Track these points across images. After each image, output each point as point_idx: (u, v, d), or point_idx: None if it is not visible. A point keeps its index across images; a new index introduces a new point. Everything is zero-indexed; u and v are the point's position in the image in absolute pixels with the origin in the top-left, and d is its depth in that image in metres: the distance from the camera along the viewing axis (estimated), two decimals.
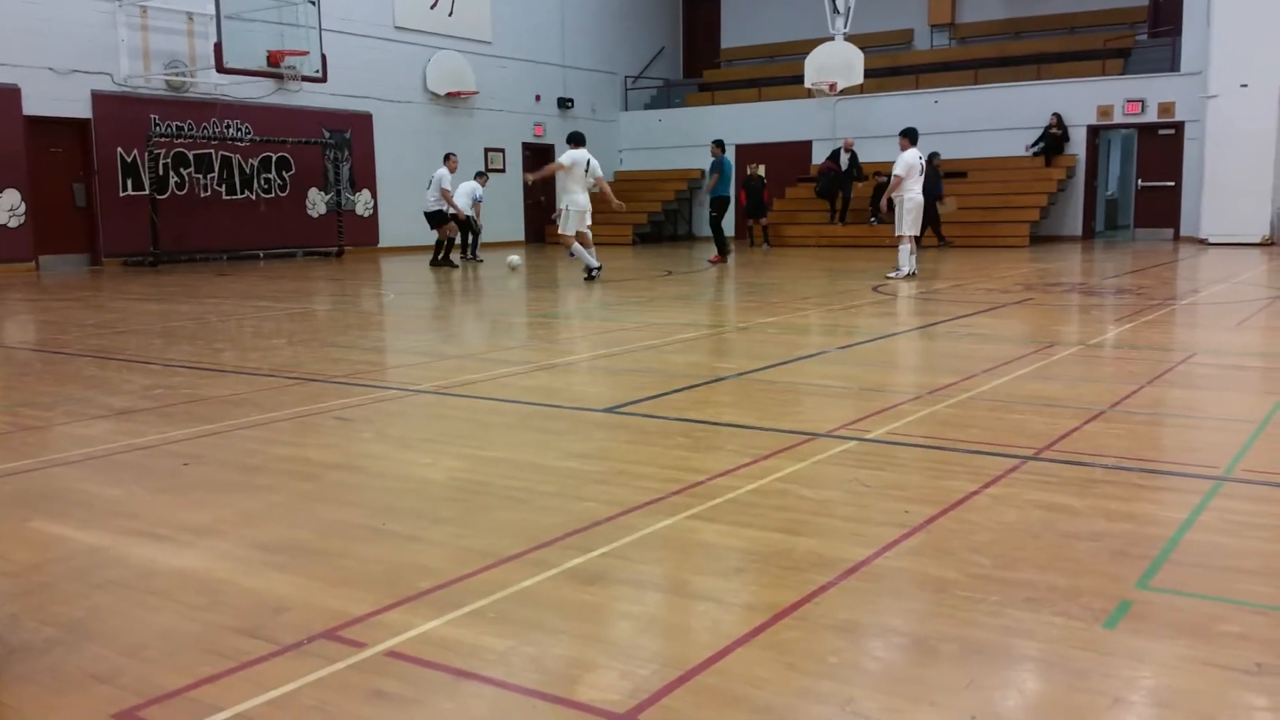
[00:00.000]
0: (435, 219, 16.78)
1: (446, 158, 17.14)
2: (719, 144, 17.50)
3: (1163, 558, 2.98)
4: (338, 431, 4.89)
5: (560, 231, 13.68)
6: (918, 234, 13.30)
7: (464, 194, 17.66)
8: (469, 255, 18.27)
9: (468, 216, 17.82)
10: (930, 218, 19.46)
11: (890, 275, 13.00)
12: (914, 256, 13.15)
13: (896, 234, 13.20)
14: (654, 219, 25.54)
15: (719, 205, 17.45)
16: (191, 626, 2.59)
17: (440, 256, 16.84)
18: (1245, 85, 19.07)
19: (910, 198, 12.94)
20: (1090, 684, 2.23)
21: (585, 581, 2.86)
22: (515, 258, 16.10)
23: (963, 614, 2.60)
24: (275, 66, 17.44)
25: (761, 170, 21.54)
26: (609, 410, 5.18)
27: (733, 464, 4.05)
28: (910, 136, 13.22)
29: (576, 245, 13.32)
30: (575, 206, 13.43)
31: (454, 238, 17.10)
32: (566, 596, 2.75)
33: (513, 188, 24.56)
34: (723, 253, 17.19)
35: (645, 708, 2.14)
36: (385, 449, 4.53)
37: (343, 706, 2.17)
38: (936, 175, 19.46)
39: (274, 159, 19.73)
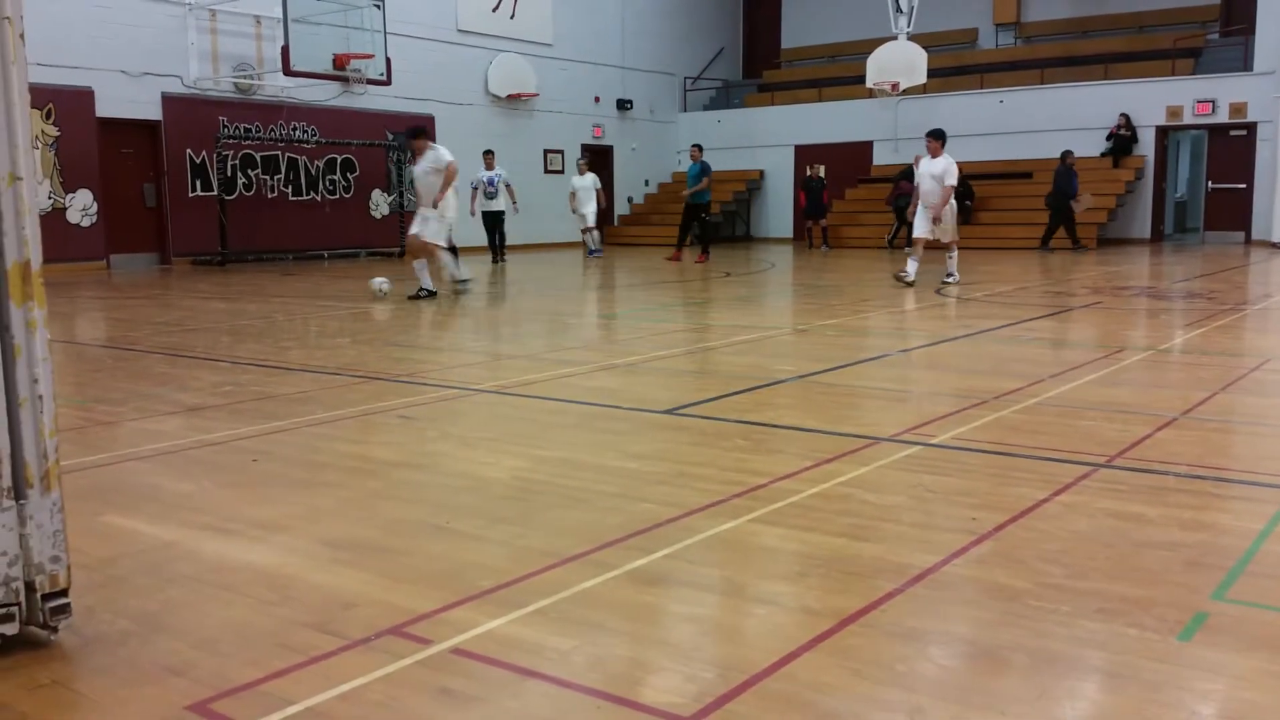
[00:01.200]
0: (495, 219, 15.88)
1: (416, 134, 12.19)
2: (699, 147, 17.80)
3: (1239, 569, 2.90)
4: (401, 430, 4.95)
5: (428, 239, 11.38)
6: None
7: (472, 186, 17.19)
8: (498, 257, 17.98)
9: (498, 212, 17.59)
10: (1065, 218, 18.97)
11: (946, 279, 12.20)
12: (916, 262, 12.12)
13: (948, 239, 12.24)
14: (712, 220, 25.44)
15: (704, 207, 17.85)
16: (263, 621, 2.64)
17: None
18: None
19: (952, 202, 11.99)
20: (1164, 697, 2.18)
21: (647, 583, 2.86)
22: (382, 281, 11.73)
23: (1033, 624, 2.55)
24: (341, 69, 17.69)
25: (821, 171, 21.40)
26: (669, 412, 5.18)
27: (794, 467, 4.03)
28: (941, 139, 12.24)
29: (445, 256, 11.80)
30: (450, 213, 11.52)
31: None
32: (628, 598, 2.75)
33: (567, 190, 24.63)
34: (705, 250, 17.73)
35: (710, 711, 2.13)
36: (447, 448, 4.57)
37: (410, 703, 2.19)
38: (1071, 173, 18.96)
39: (339, 160, 20.02)
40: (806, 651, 2.41)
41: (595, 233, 19.33)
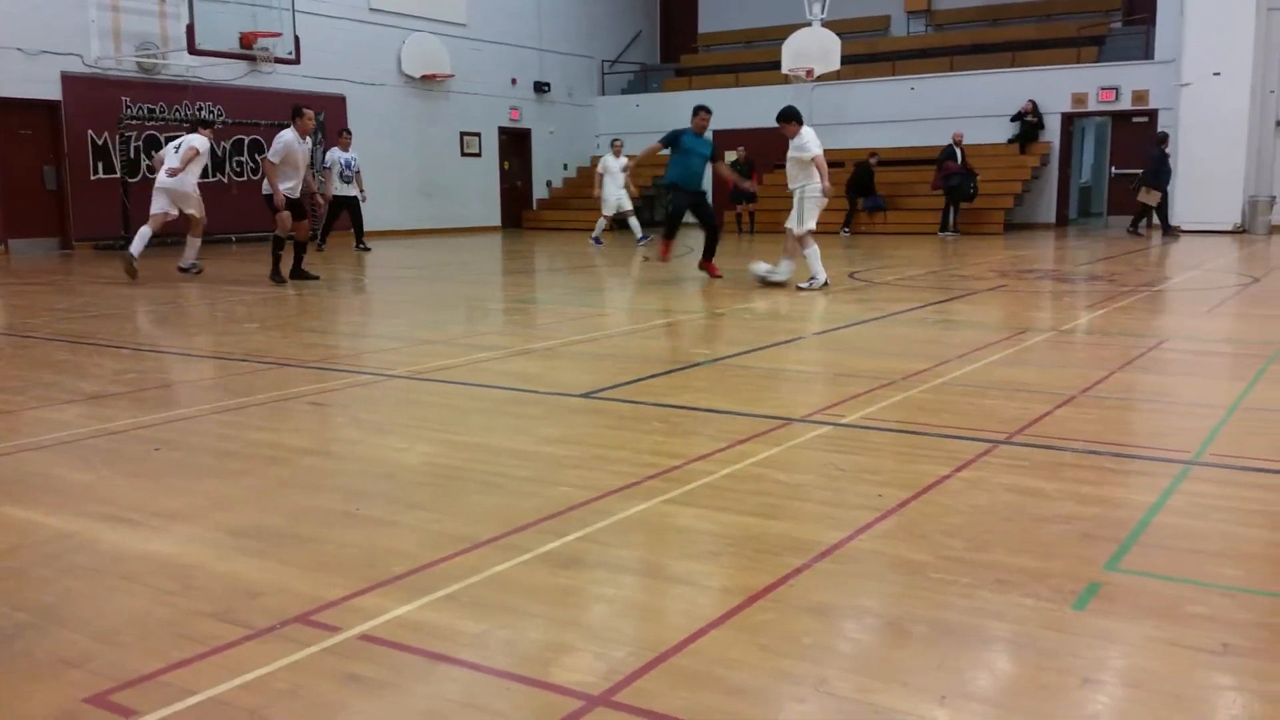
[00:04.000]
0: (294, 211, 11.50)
1: (295, 115, 11.44)
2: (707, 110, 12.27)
3: (1131, 540, 3.01)
4: (311, 416, 4.87)
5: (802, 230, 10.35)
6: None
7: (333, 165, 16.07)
8: (321, 245, 16.48)
9: (353, 197, 16.53)
10: (1160, 203, 18.70)
11: (802, 286, 10.21)
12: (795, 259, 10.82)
13: (799, 231, 10.35)
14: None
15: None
16: (163, 611, 2.58)
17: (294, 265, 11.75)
18: (1218, 74, 19.21)
19: (814, 187, 10.34)
20: (1059, 664, 2.26)
21: (560, 565, 2.86)
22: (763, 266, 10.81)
23: (935, 596, 2.62)
24: (248, 48, 17.26)
25: (743, 154, 21.53)
26: (586, 396, 5.18)
27: (709, 449, 4.06)
28: (797, 118, 10.90)
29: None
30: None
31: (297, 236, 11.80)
32: (541, 580, 2.76)
33: (489, 172, 24.44)
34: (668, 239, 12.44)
35: (620, 689, 2.15)
36: (359, 434, 4.52)
37: (316, 689, 2.17)
38: (1165, 158, 18.60)
39: (247, 141, 19.54)
40: (716, 628, 2.45)
41: (634, 219, 17.95)
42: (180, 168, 12.16)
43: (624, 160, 17.55)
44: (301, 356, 6.43)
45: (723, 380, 5.65)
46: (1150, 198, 18.57)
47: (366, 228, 21.52)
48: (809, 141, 10.45)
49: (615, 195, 17.65)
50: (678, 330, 7.65)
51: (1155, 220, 19.25)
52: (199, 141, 12.45)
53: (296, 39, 17.61)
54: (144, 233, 12.03)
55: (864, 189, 20.95)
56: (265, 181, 11.32)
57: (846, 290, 10.55)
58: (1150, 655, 2.31)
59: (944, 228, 19.88)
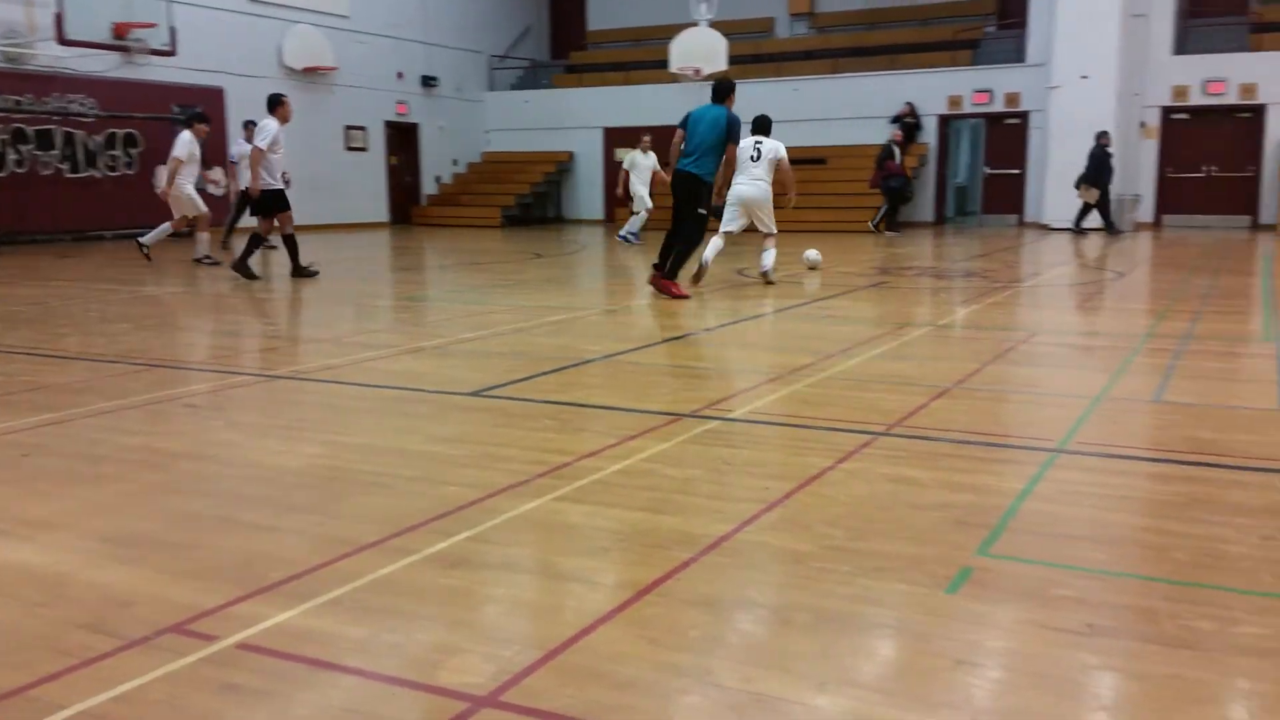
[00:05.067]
0: (267, 202, 11.21)
1: (274, 104, 11.31)
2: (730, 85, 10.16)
3: (1001, 526, 3.14)
4: (188, 419, 4.73)
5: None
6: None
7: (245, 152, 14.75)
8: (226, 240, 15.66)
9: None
10: (1103, 201, 18.74)
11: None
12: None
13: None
14: (522, 201, 25.36)
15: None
16: (32, 623, 2.48)
17: (247, 258, 11.24)
18: (1086, 77, 20.06)
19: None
20: (933, 647, 2.34)
21: (449, 566, 2.84)
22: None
23: (816, 584, 2.69)
24: (121, 39, 16.60)
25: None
26: (475, 394, 5.15)
27: (599, 445, 4.08)
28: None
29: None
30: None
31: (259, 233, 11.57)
32: (429, 582, 2.74)
33: (376, 167, 24.03)
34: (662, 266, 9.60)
35: (507, 689, 2.15)
36: (238, 437, 4.40)
37: (193, 700, 2.11)
38: (1107, 156, 18.62)
39: (120, 135, 18.80)
40: (604, 624, 2.46)
41: (643, 215, 17.40)
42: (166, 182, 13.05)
43: (653, 157, 17.23)
44: (178, 357, 6.23)
45: (614, 377, 5.67)
46: (1089, 195, 18.94)
47: (250, 223, 20.95)
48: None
49: (641, 191, 17.20)
50: (569, 327, 7.65)
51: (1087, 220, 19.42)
52: (178, 147, 13.09)
53: (173, 30, 17.03)
54: (163, 228, 13.13)
55: None
56: (249, 174, 11.10)
57: (736, 286, 10.69)
58: (1019, 637, 2.41)
59: (889, 226, 19.85)
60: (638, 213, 17.46)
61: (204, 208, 13.21)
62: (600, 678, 2.20)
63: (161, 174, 19.32)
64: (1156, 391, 5.17)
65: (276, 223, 11.30)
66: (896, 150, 19.93)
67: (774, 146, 10.27)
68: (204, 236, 13.26)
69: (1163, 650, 2.32)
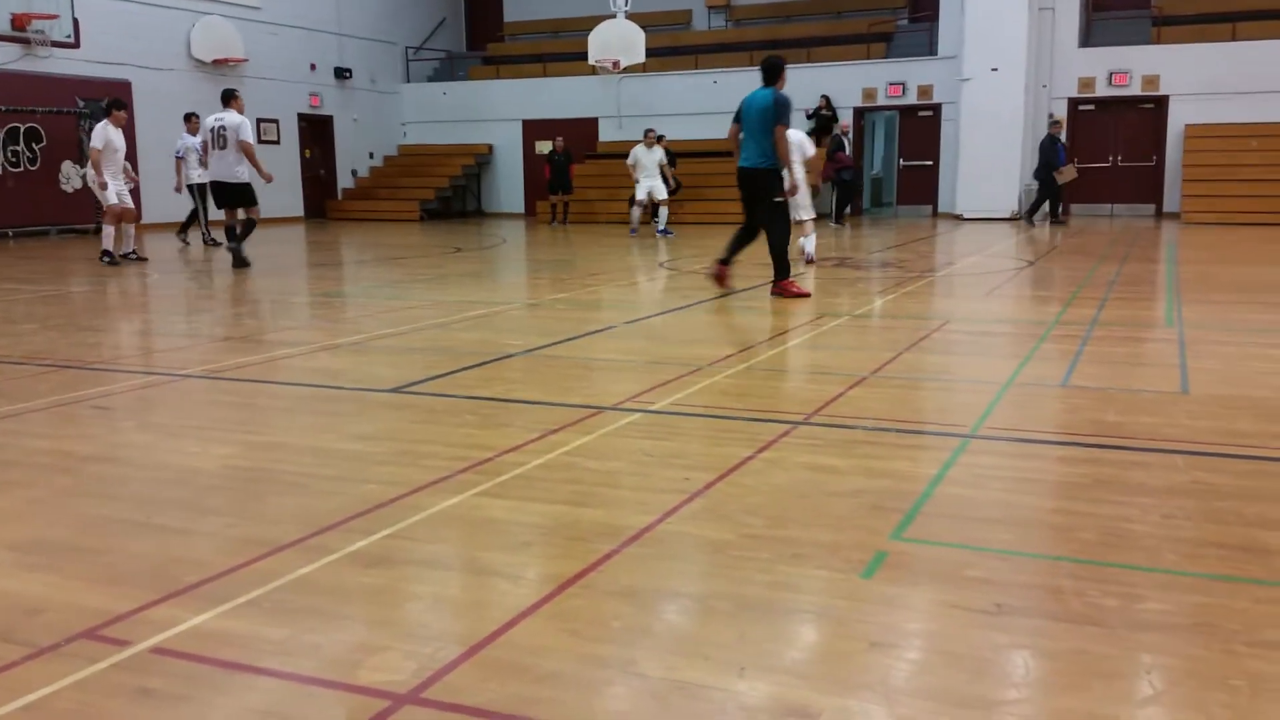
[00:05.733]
0: (240, 194, 11.84)
1: (230, 97, 12.08)
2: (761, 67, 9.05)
3: (915, 511, 3.21)
4: (97, 421, 4.60)
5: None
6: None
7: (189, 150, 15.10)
8: (193, 237, 15.84)
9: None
10: (1051, 191, 18.90)
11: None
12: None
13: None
14: (442, 194, 25.11)
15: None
16: None
17: (239, 247, 11.93)
18: (995, 69, 20.53)
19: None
20: (849, 630, 2.40)
21: (369, 565, 2.82)
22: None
23: (736, 572, 2.73)
24: (21, 30, 16.03)
25: (560, 144, 21.49)
26: (395, 390, 5.10)
27: (521, 439, 4.08)
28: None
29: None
30: None
31: (254, 220, 12.23)
32: (349, 581, 2.71)
33: (290, 160, 23.56)
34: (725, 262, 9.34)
35: (428, 685, 2.15)
36: (149, 438, 4.30)
37: (105, 707, 2.07)
38: (1056, 145, 18.73)
39: (22, 130, 18.15)
40: (527, 618, 2.47)
41: (665, 209, 17.21)
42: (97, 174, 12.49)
43: (659, 152, 17.12)
44: (85, 358, 6.06)
45: (535, 371, 5.66)
46: (1065, 174, 19.02)
47: (158, 219, 20.41)
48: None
49: (647, 185, 17.11)
50: (490, 322, 7.61)
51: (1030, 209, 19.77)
52: (94, 138, 12.52)
53: (76, 21, 16.51)
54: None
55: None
56: (244, 168, 11.59)
57: (658, 279, 10.75)
58: (932, 618, 2.47)
59: (837, 219, 19.76)
60: (641, 202, 17.45)
61: (114, 200, 12.60)
62: (523, 671, 2.20)
63: (69, 168, 18.80)
64: (1064, 376, 5.33)
65: (241, 213, 11.88)
66: (845, 141, 19.92)
67: (799, 140, 10.54)
68: (111, 231, 12.67)
69: (1070, 627, 2.40)
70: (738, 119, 8.84)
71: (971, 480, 3.55)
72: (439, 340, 6.72)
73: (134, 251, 12.95)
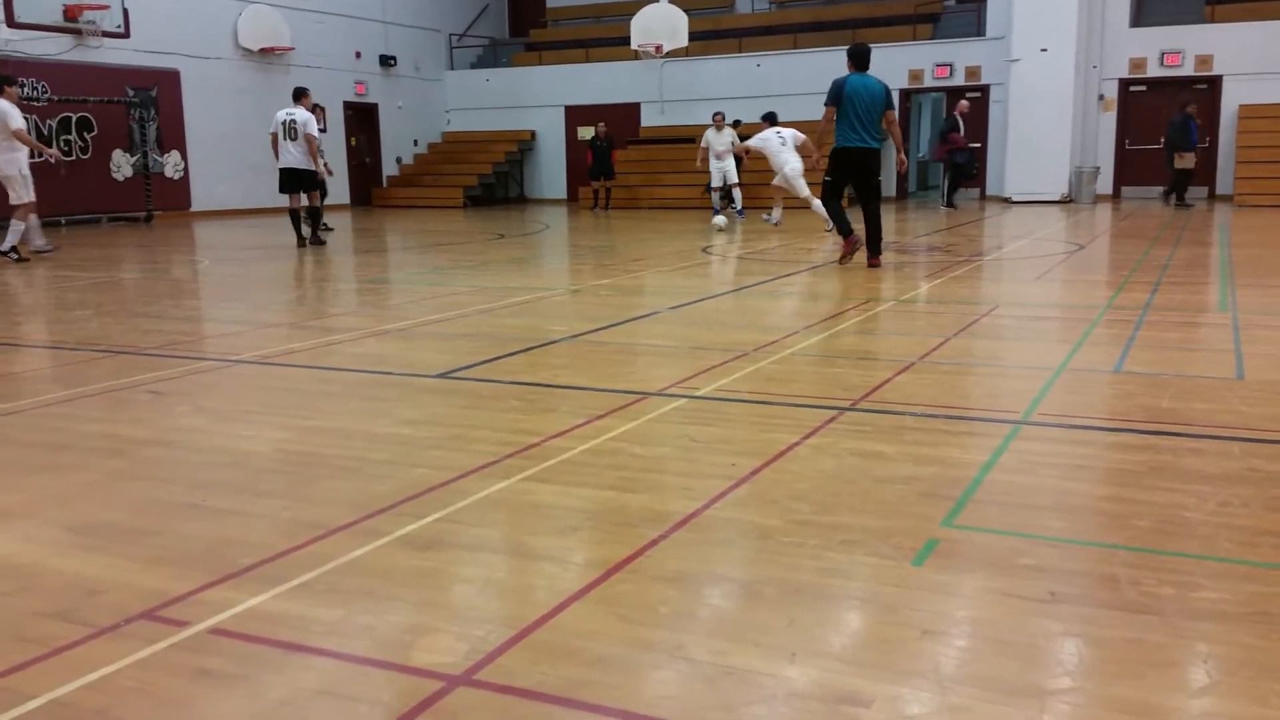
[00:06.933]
0: (306, 181, 13.06)
1: (301, 94, 13.30)
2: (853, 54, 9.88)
3: (966, 498, 3.18)
4: (151, 406, 4.68)
5: None
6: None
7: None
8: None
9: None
10: (1180, 173, 18.46)
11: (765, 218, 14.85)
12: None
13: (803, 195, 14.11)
14: (485, 181, 25.21)
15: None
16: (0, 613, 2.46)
17: (314, 231, 13.35)
18: (1045, 50, 20.19)
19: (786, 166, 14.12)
20: (900, 617, 2.38)
21: (419, 548, 2.85)
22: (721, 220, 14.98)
23: (784, 558, 2.72)
24: (73, 21, 16.30)
25: (602, 130, 21.44)
26: (442, 376, 5.14)
27: (567, 425, 4.09)
28: (770, 119, 14.99)
29: None
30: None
31: (318, 205, 13.47)
32: (400, 564, 2.74)
33: (336, 148, 23.75)
34: (843, 232, 9.77)
35: (481, 667, 2.16)
36: (203, 422, 4.36)
37: (166, 686, 2.11)
38: (1189, 124, 18.29)
39: (74, 119, 18.47)
40: (575, 602, 2.48)
41: (738, 190, 17.22)
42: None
43: (729, 133, 17.11)
44: (139, 343, 6.16)
45: (580, 356, 5.68)
46: (1186, 160, 18.59)
47: (206, 207, 20.69)
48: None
49: (720, 169, 17.04)
50: (534, 308, 7.64)
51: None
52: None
53: (125, 11, 16.73)
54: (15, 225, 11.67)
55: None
56: (306, 157, 12.85)
57: (701, 264, 10.73)
58: (984, 605, 2.45)
59: (947, 201, 19.37)
60: (718, 188, 17.32)
61: (22, 193, 11.67)
62: (572, 655, 2.22)
63: (119, 156, 19.09)
64: (1117, 362, 5.25)
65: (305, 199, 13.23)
66: (960, 121, 19.28)
67: (794, 134, 14.01)
68: (19, 226, 11.66)
69: (1124, 616, 2.37)
70: (835, 101, 9.35)
71: (1023, 467, 3.51)
72: (484, 326, 6.75)
73: (15, 250, 11.64)
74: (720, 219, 15.43)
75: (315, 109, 15.12)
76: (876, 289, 8.45)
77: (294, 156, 12.86)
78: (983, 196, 22.33)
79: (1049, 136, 20.40)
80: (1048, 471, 3.46)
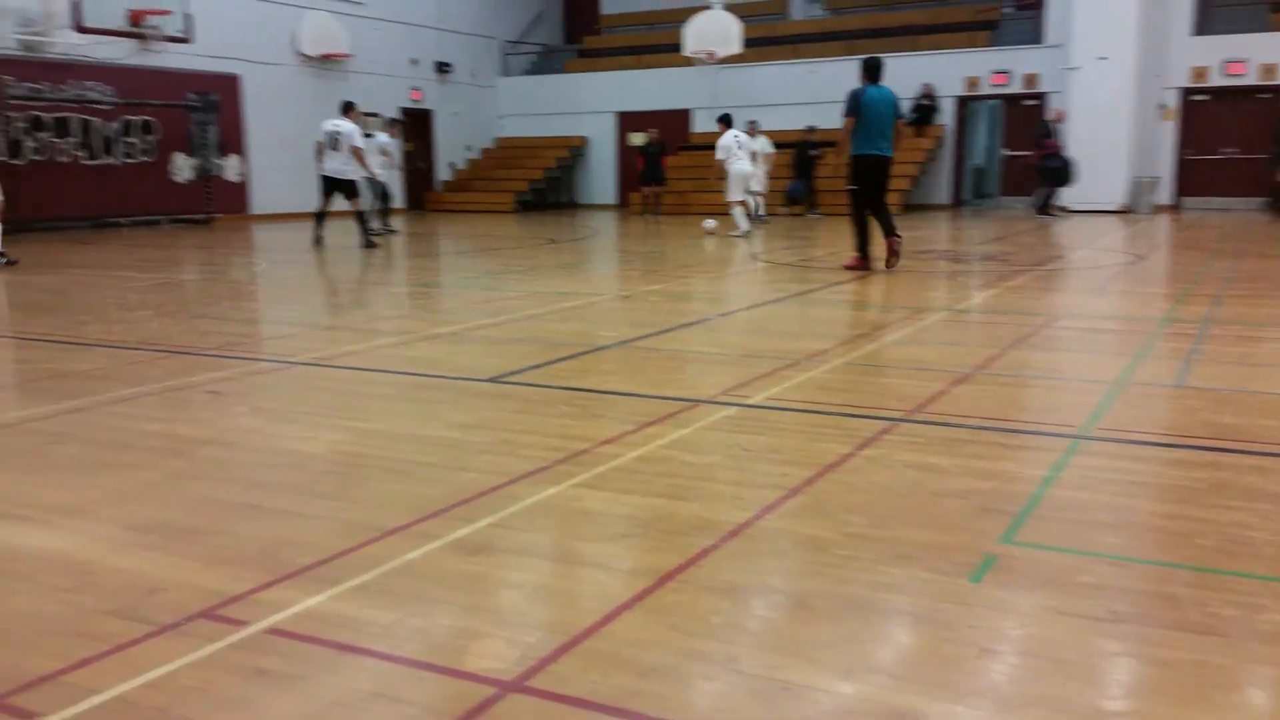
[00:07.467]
0: (345, 188, 13.64)
1: (348, 108, 14.08)
2: (868, 66, 9.99)
3: (1025, 513, 3.13)
4: (209, 406, 4.76)
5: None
6: (741, 199, 15.53)
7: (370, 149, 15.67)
8: (384, 228, 16.12)
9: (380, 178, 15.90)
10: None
11: (732, 233, 15.04)
12: (745, 217, 15.42)
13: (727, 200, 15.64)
14: (535, 186, 25.36)
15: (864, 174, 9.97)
16: (60, 609, 2.51)
17: (365, 236, 13.75)
18: (1104, 58, 19.89)
19: (733, 168, 15.40)
20: (958, 635, 2.35)
21: (470, 552, 2.86)
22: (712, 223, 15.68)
23: (838, 572, 2.69)
24: (137, 26, 16.66)
25: (655, 135, 21.46)
26: (492, 380, 5.16)
27: (617, 431, 4.09)
28: (725, 121, 15.94)
29: None
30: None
31: (366, 210, 14.21)
32: (452, 568, 2.75)
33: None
34: (860, 249, 10.15)
35: (533, 674, 2.17)
36: (260, 423, 4.42)
37: (224, 685, 2.14)
38: None
39: (137, 122, 18.87)
40: (627, 610, 2.47)
41: (759, 199, 17.62)
42: None
43: (763, 140, 17.60)
44: (197, 344, 6.26)
45: (630, 363, 5.68)
46: None
47: (265, 210, 21.03)
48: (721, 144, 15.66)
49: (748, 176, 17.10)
50: (583, 313, 7.66)
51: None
52: None
53: (188, 16, 17.06)
54: None
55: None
56: (351, 167, 13.53)
57: (752, 271, 10.69)
58: (1043, 624, 2.41)
59: (1041, 210, 18.93)
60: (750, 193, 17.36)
61: None
62: (624, 664, 2.21)
63: (180, 160, 19.46)
64: (1178, 376, 5.15)
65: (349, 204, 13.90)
66: (1054, 129, 18.85)
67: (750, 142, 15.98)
68: None
69: (1186, 637, 2.32)
70: (855, 112, 9.67)
71: (1083, 483, 3.44)
72: (534, 331, 6.78)
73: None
74: (710, 222, 15.90)
75: (392, 124, 16.25)
76: (929, 298, 8.36)
77: (335, 165, 13.54)
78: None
79: (1107, 145, 20.09)
80: (1108, 487, 3.40)
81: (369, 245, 13.56)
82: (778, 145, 20.48)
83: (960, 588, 2.59)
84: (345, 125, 13.60)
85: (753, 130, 17.73)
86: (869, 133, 9.63)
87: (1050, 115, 19.34)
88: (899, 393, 4.75)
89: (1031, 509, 3.17)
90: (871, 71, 9.83)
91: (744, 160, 15.21)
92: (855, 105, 9.63)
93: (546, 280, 10.07)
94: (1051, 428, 4.22)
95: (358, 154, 13.50)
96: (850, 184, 9.97)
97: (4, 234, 11.46)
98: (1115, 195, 20.23)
